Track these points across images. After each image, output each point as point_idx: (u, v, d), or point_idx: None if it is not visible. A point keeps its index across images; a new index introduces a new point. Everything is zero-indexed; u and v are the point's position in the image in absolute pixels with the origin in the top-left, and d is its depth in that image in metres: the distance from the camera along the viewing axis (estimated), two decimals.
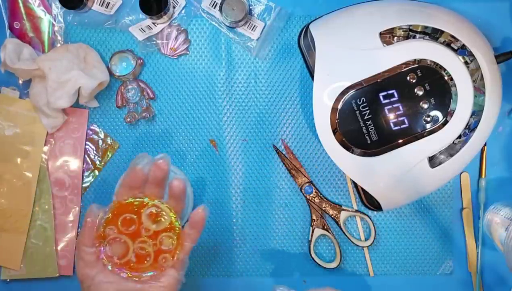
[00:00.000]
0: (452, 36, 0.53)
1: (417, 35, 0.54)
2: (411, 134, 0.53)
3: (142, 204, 0.50)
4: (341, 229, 0.64)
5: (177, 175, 0.64)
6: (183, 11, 0.63)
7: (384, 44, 0.53)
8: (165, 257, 0.49)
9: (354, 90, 0.53)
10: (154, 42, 0.63)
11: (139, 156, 0.52)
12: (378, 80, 0.53)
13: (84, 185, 0.65)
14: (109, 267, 0.49)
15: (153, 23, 0.63)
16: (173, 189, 0.51)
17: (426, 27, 0.54)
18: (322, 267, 0.64)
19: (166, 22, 0.63)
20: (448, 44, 0.53)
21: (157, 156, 0.51)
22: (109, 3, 0.62)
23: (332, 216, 0.65)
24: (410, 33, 0.54)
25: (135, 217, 0.49)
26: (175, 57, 0.64)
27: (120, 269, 0.49)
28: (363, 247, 0.65)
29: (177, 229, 0.50)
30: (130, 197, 0.50)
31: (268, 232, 0.66)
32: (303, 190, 0.65)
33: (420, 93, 0.53)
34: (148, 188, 0.51)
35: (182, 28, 0.63)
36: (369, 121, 0.53)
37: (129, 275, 0.49)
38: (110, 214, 0.49)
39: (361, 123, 0.54)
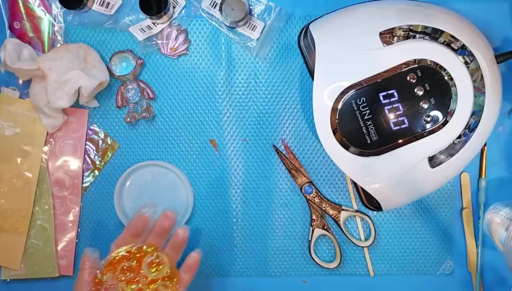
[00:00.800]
0: (452, 36, 0.53)
1: (417, 35, 0.54)
2: (411, 134, 0.53)
3: (143, 252, 0.52)
4: (341, 229, 0.64)
5: (180, 177, 0.64)
6: (183, 11, 0.63)
7: (384, 44, 0.53)
8: None
9: (354, 90, 0.53)
10: (154, 42, 0.63)
11: (147, 204, 0.54)
12: (378, 80, 0.53)
13: (84, 185, 0.65)
14: None
15: (153, 23, 0.63)
16: (178, 237, 0.53)
17: (426, 27, 0.54)
18: (322, 267, 0.64)
19: (166, 22, 0.63)
20: (448, 44, 0.53)
21: (166, 211, 0.55)
22: (109, 3, 0.62)
23: (332, 216, 0.65)
24: (410, 33, 0.54)
25: (134, 263, 0.51)
26: (175, 57, 0.64)
27: None
28: (363, 247, 0.65)
29: (175, 279, 0.52)
30: (131, 244, 0.52)
31: (268, 232, 0.66)
32: (303, 190, 0.65)
33: (420, 93, 0.53)
34: (150, 237, 0.53)
35: (182, 28, 0.63)
36: (369, 121, 0.53)
37: None
38: (108, 261, 0.51)
39: (361, 123, 0.54)
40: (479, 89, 0.54)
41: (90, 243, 0.65)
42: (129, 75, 0.63)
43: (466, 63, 0.53)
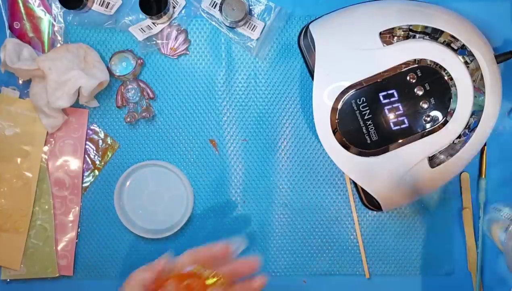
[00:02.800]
0: (452, 36, 0.53)
1: (417, 35, 0.54)
2: (411, 134, 0.53)
3: (214, 283, 0.49)
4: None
5: (180, 177, 0.64)
6: (183, 11, 0.63)
7: (384, 44, 0.53)
8: None
9: (354, 90, 0.53)
10: (154, 42, 0.63)
11: (240, 241, 0.52)
12: (378, 80, 0.53)
13: (84, 185, 0.65)
14: None
15: (153, 23, 0.63)
16: (253, 285, 0.50)
17: (426, 27, 0.54)
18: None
19: (166, 22, 0.63)
20: (448, 44, 0.53)
21: (253, 257, 0.51)
22: (109, 3, 0.62)
23: None
24: (410, 33, 0.54)
25: (199, 287, 0.49)
26: (175, 57, 0.64)
27: None
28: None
29: None
30: (205, 267, 0.50)
31: (267, 232, 0.66)
32: None
33: (420, 93, 0.53)
34: (223, 269, 0.50)
35: (182, 28, 0.63)
36: (369, 121, 0.53)
37: None
38: (177, 272, 0.49)
39: (361, 123, 0.54)
40: (479, 89, 0.54)
41: (90, 243, 0.65)
42: (129, 75, 0.63)
43: (466, 63, 0.53)
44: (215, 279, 0.49)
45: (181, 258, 0.49)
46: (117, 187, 0.64)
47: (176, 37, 0.63)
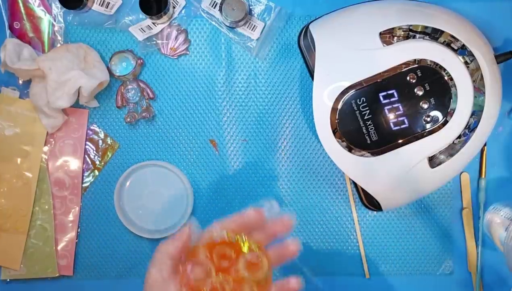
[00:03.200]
0: (452, 36, 0.53)
1: (417, 35, 0.54)
2: (411, 134, 0.53)
3: (248, 247, 0.46)
4: None
5: (180, 177, 0.64)
6: (183, 11, 0.63)
7: (384, 44, 0.53)
8: None
9: (354, 90, 0.53)
10: (154, 42, 0.63)
11: (270, 202, 0.49)
12: (378, 80, 0.53)
13: (84, 185, 0.65)
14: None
15: (153, 23, 0.63)
16: (288, 249, 0.48)
17: (426, 27, 0.54)
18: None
19: (166, 22, 0.63)
20: (448, 44, 0.53)
21: (286, 215, 0.49)
22: (109, 3, 0.62)
23: None
24: (410, 33, 0.54)
25: (233, 254, 0.46)
26: (175, 57, 0.64)
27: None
28: None
29: (265, 287, 0.47)
30: (237, 233, 0.47)
31: None
32: None
33: (420, 93, 0.53)
34: (256, 235, 0.48)
35: (182, 28, 0.63)
36: (369, 121, 0.53)
37: None
38: (211, 239, 0.46)
39: (361, 123, 0.54)
40: (479, 89, 0.54)
41: (90, 243, 0.65)
42: (129, 75, 0.63)
43: (466, 63, 0.53)
44: (250, 245, 0.46)
45: (210, 228, 0.47)
46: (117, 187, 0.64)
47: (176, 37, 0.63)
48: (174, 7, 0.63)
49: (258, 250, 0.46)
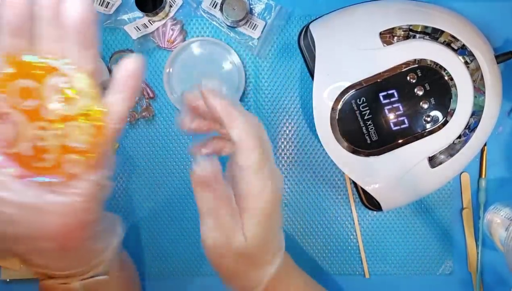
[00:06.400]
0: (452, 36, 0.53)
1: (417, 35, 0.54)
2: (411, 134, 0.53)
3: (48, 68, 0.30)
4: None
5: (231, 54, 0.62)
6: (180, 11, 0.63)
7: (384, 44, 0.53)
8: (74, 160, 0.31)
9: (354, 90, 0.53)
10: (151, 39, 0.63)
11: None
12: (378, 80, 0.53)
13: None
14: None
15: (149, 21, 0.63)
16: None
17: (426, 27, 0.54)
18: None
19: (162, 20, 0.63)
20: (448, 44, 0.53)
21: None
22: (109, 2, 0.62)
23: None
24: (410, 33, 0.54)
25: (36, 85, 0.30)
26: (173, 49, 0.64)
27: (6, 161, 0.31)
28: None
29: (98, 115, 0.31)
30: (21, 50, 0.30)
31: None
32: None
33: (420, 93, 0.53)
34: (48, 39, 0.31)
35: (176, 20, 0.63)
36: (369, 121, 0.53)
37: (20, 173, 0.31)
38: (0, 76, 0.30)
39: (361, 123, 0.54)
40: (479, 89, 0.54)
41: None
42: None
43: (466, 63, 0.53)
44: (50, 60, 0.31)
45: None
46: (165, 73, 0.63)
47: (171, 28, 0.63)
48: (171, 6, 0.63)
49: (65, 64, 0.31)
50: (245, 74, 0.64)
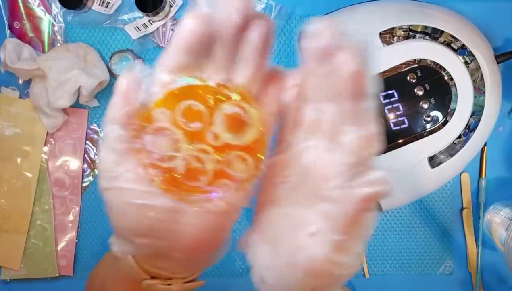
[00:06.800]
0: (452, 36, 0.53)
1: (417, 35, 0.54)
2: (411, 134, 0.53)
3: (221, 94, 0.30)
4: None
5: None
6: (180, 10, 0.63)
7: (384, 44, 0.53)
8: (227, 185, 0.31)
9: None
10: (151, 39, 0.63)
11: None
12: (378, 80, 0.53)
13: (84, 185, 0.65)
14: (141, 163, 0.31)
15: (150, 21, 0.63)
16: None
17: (426, 27, 0.54)
18: None
19: (162, 20, 0.63)
20: (448, 44, 0.53)
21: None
22: (109, 2, 0.62)
23: None
24: (410, 33, 0.54)
25: (204, 109, 0.30)
26: None
27: (156, 172, 0.31)
28: None
29: (261, 152, 0.31)
30: (196, 69, 0.29)
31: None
32: None
33: (420, 93, 0.53)
34: (241, 71, 0.30)
35: (176, 20, 0.63)
36: None
37: (165, 186, 0.31)
38: (166, 92, 0.30)
39: None
40: (479, 89, 0.54)
41: (90, 243, 0.65)
42: None
43: (466, 63, 0.53)
44: (226, 90, 0.30)
45: (159, 67, 0.30)
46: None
47: (171, 28, 0.63)
48: (171, 6, 0.63)
49: (240, 99, 0.30)
50: None
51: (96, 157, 0.65)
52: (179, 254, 0.34)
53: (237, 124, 0.30)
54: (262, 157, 0.31)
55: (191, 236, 0.32)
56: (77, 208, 0.65)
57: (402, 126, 0.53)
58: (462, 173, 0.64)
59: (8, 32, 0.63)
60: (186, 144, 0.30)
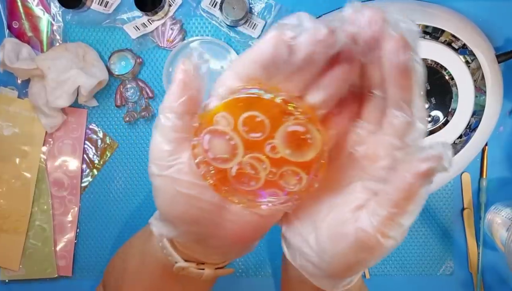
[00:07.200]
0: (453, 36, 0.53)
1: None
2: None
3: (289, 112, 0.29)
4: None
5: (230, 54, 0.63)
6: (179, 10, 0.63)
7: None
8: (277, 193, 0.32)
9: None
10: (150, 39, 0.63)
11: (300, 15, 0.29)
12: None
13: (82, 185, 0.65)
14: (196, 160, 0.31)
15: (149, 21, 0.62)
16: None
17: (427, 27, 0.53)
18: None
19: (161, 19, 0.63)
20: (449, 44, 0.53)
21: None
22: (108, 2, 0.62)
23: None
24: None
25: (268, 123, 0.30)
26: (172, 49, 0.64)
27: (208, 169, 0.31)
28: None
29: (321, 169, 0.31)
30: (263, 84, 0.29)
31: (268, 233, 0.65)
32: None
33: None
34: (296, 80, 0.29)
35: (176, 19, 0.63)
36: None
37: (215, 183, 0.32)
38: (232, 98, 0.30)
39: None
40: (480, 89, 0.53)
41: (89, 243, 0.65)
42: (128, 74, 0.63)
43: (467, 62, 0.53)
44: (291, 106, 0.29)
45: (230, 73, 0.29)
46: (164, 72, 0.62)
47: (170, 28, 0.63)
48: (170, 5, 0.62)
49: (306, 118, 0.29)
50: None
51: (94, 156, 0.65)
52: (219, 242, 0.35)
53: (298, 142, 0.30)
54: (317, 177, 0.31)
55: (232, 231, 0.34)
56: (76, 208, 0.65)
57: None
58: (463, 173, 0.64)
59: (6, 31, 0.63)
60: (243, 151, 0.30)
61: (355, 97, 0.31)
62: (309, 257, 0.33)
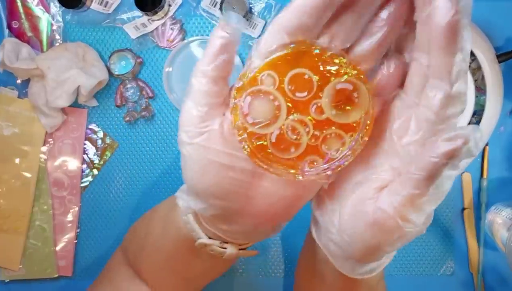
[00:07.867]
0: None
1: None
2: None
3: (339, 71, 0.28)
4: None
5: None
6: (179, 10, 0.63)
7: None
8: (316, 162, 0.30)
9: None
10: (150, 38, 0.63)
11: None
12: None
13: (82, 185, 0.65)
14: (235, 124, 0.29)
15: (149, 20, 0.62)
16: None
17: None
18: None
19: (162, 19, 0.62)
20: None
21: None
22: (108, 2, 0.62)
23: None
24: None
25: (316, 81, 0.28)
26: (172, 48, 0.64)
27: (245, 136, 0.29)
28: None
29: (364, 136, 0.29)
30: (306, 38, 0.28)
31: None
32: None
33: None
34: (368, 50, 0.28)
35: (176, 19, 0.63)
36: None
37: (251, 151, 0.29)
38: (278, 55, 0.28)
39: None
40: (480, 89, 0.53)
41: (89, 243, 0.65)
42: (128, 74, 0.63)
43: None
44: (342, 64, 0.28)
45: (274, 26, 0.28)
46: (164, 72, 0.62)
47: (170, 28, 0.63)
48: (170, 5, 0.62)
49: (356, 75, 0.28)
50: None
51: (94, 156, 0.65)
52: (247, 219, 0.33)
53: (345, 101, 0.29)
54: (361, 140, 0.29)
55: (264, 204, 0.32)
56: (76, 208, 0.65)
57: None
58: (463, 173, 0.64)
59: (6, 31, 0.63)
60: (286, 114, 0.28)
61: (402, 66, 0.29)
62: (331, 235, 0.33)
